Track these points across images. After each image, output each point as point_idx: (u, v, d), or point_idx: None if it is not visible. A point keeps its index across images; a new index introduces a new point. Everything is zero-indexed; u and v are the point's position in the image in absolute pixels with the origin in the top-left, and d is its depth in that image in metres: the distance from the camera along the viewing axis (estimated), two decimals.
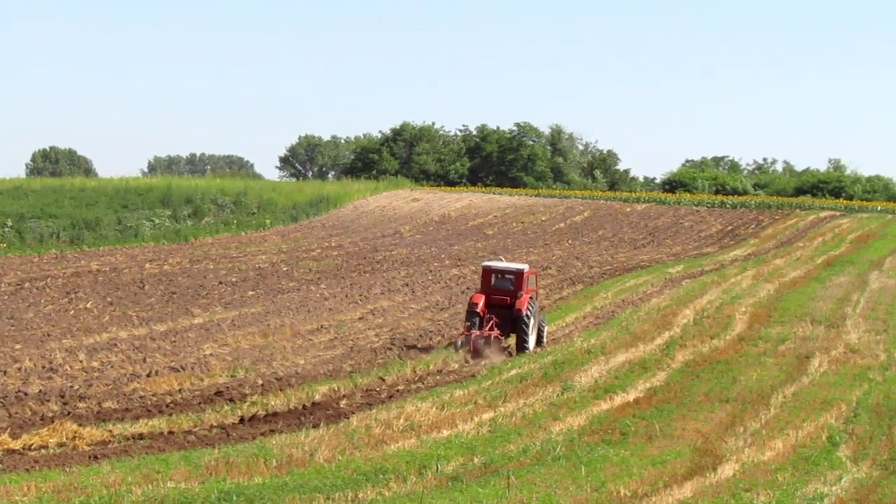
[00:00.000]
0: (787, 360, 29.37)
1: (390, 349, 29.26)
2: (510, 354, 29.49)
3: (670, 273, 49.84)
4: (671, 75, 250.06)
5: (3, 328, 31.79)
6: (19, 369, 25.49)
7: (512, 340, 30.22)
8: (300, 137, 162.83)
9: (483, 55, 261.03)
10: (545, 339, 31.28)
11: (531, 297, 30.37)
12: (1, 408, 21.44)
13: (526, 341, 29.71)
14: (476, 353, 28.49)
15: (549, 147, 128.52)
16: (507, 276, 30.53)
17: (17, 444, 18.76)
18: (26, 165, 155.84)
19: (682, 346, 31.08)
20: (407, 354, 28.81)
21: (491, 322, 29.66)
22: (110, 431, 19.89)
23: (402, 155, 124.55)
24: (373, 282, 44.79)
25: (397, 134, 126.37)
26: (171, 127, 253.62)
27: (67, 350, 28.17)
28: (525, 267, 31.14)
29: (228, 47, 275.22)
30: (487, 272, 30.71)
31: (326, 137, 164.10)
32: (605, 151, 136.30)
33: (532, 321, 29.88)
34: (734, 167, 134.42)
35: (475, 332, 29.03)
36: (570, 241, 69.65)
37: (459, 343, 29.09)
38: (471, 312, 29.57)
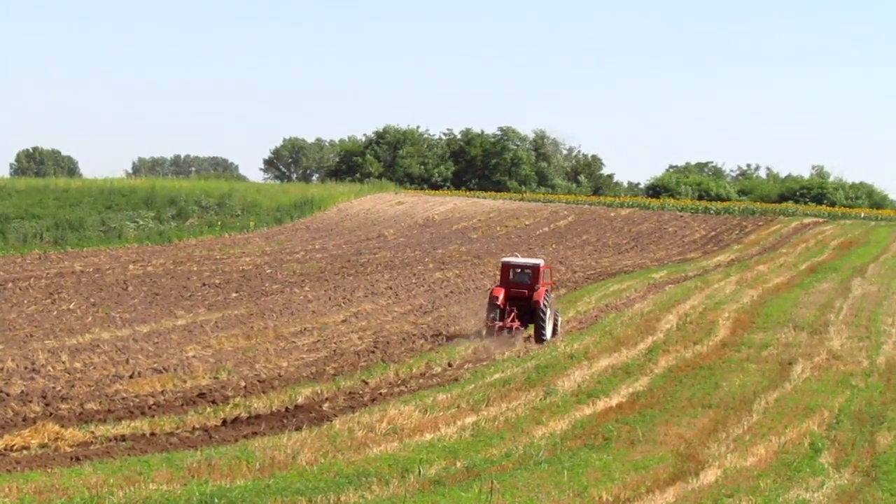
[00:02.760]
0: (769, 366, 29.42)
1: (373, 352, 29.27)
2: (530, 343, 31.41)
3: (654, 278, 49.89)
4: (656, 81, 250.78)
5: None
6: (1, 370, 25.36)
7: (530, 331, 32.23)
8: (285, 140, 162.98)
9: (467, 58, 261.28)
10: (560, 329, 33.12)
11: (547, 290, 32.32)
12: None
13: (543, 331, 31.64)
14: (498, 343, 30.49)
15: (533, 151, 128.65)
16: (524, 270, 32.74)
17: None
18: (10, 165, 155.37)
19: (665, 352, 31.14)
20: (434, 341, 30.84)
21: (512, 314, 31.69)
22: (92, 433, 19.81)
23: (386, 158, 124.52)
24: (356, 285, 44.73)
25: (381, 137, 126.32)
26: (156, 128, 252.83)
27: (50, 351, 28.03)
28: (541, 262, 33.41)
29: (213, 49, 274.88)
30: (506, 267, 32.94)
31: (311, 140, 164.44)
32: (589, 156, 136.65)
33: (548, 312, 31.81)
34: (718, 173, 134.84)
35: (497, 323, 31.14)
36: (553, 246, 69.70)
37: (483, 333, 31.13)
38: (492, 305, 31.58)
